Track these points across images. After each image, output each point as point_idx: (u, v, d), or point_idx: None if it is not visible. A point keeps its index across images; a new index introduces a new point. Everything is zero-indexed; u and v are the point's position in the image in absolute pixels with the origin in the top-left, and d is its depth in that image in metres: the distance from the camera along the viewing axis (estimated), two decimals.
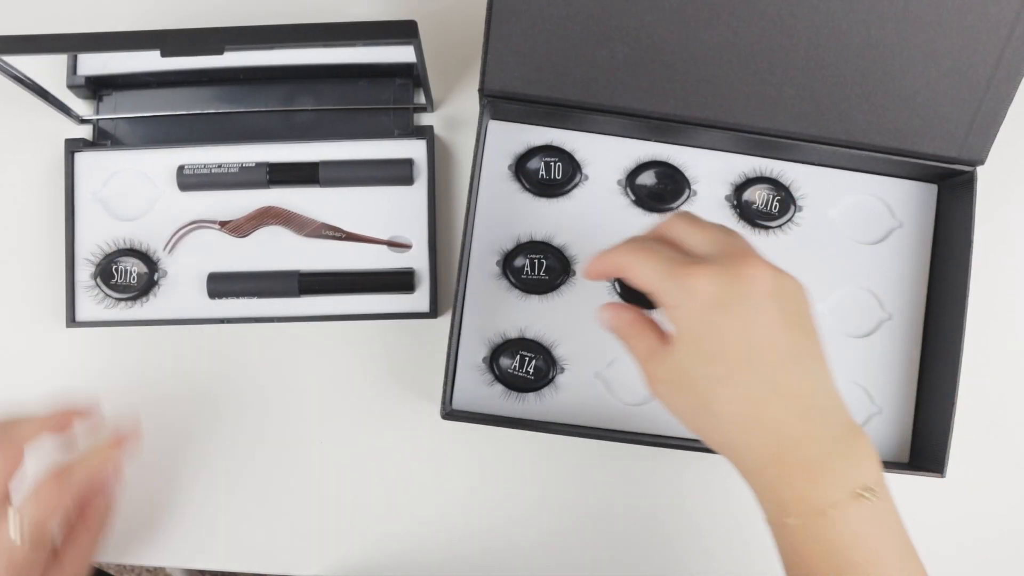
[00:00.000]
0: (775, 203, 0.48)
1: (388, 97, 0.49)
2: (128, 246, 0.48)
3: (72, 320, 0.48)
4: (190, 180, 0.48)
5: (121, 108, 0.49)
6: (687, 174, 0.48)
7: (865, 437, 0.35)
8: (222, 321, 0.48)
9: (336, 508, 0.49)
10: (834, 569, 0.33)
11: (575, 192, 0.48)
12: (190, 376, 0.49)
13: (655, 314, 0.38)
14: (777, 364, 0.34)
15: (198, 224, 0.48)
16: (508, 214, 0.48)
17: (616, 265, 0.37)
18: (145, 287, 0.48)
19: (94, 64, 0.48)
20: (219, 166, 0.48)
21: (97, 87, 0.49)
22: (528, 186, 0.48)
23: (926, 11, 0.42)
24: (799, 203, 0.49)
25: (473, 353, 0.47)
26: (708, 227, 0.37)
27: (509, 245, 0.48)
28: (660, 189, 0.48)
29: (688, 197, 0.48)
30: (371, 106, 0.49)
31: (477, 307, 0.47)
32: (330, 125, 0.49)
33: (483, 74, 0.44)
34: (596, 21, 0.43)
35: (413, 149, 0.49)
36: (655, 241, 0.37)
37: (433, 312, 0.48)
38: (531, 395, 0.47)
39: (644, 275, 0.36)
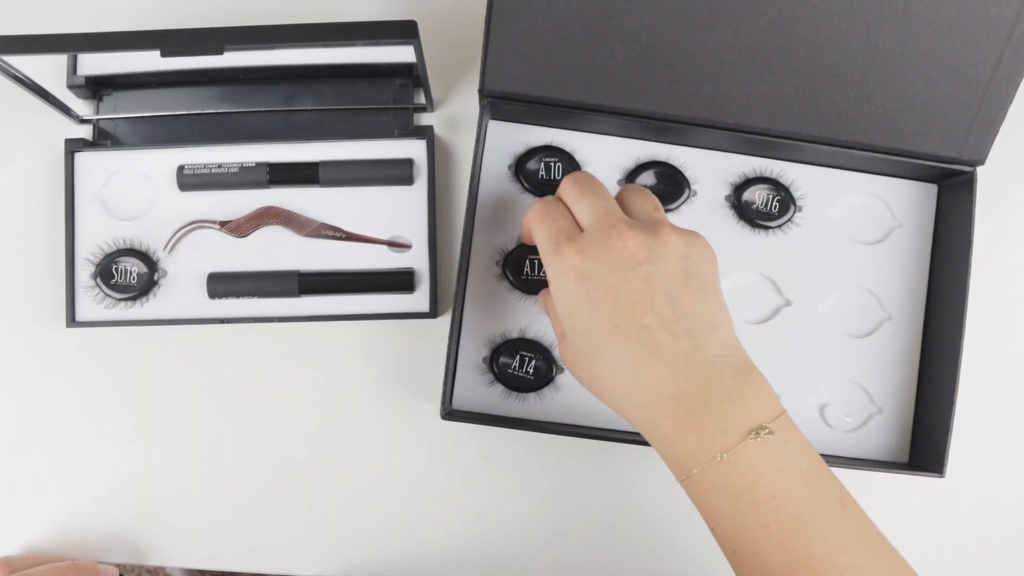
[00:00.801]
0: (775, 203, 0.48)
1: (388, 97, 0.49)
2: (128, 246, 0.48)
3: (72, 320, 0.48)
4: (190, 180, 0.48)
5: (121, 108, 0.49)
6: (687, 174, 0.48)
7: (757, 379, 0.35)
8: (222, 321, 0.48)
9: (336, 508, 0.49)
10: (740, 511, 0.33)
11: None
12: (190, 376, 0.49)
13: None
14: (655, 325, 0.35)
15: (198, 224, 0.48)
16: (508, 214, 0.48)
17: (527, 228, 0.40)
18: (145, 287, 0.48)
19: (94, 64, 0.48)
20: (219, 166, 0.48)
21: (97, 87, 0.49)
22: (528, 187, 0.48)
23: (926, 11, 0.42)
24: (799, 203, 0.49)
25: (473, 353, 0.47)
26: (590, 196, 0.38)
27: (509, 245, 0.48)
28: (660, 189, 0.48)
29: (688, 197, 0.48)
30: (371, 106, 0.49)
31: (477, 307, 0.47)
32: (330, 125, 0.49)
33: (483, 74, 0.44)
34: (596, 21, 0.43)
35: (413, 149, 0.49)
36: (556, 207, 0.39)
37: (433, 312, 0.48)
38: (531, 395, 0.47)
39: (538, 245, 0.39)
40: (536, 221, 0.39)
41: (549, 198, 0.40)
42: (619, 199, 0.40)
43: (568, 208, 0.39)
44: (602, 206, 0.38)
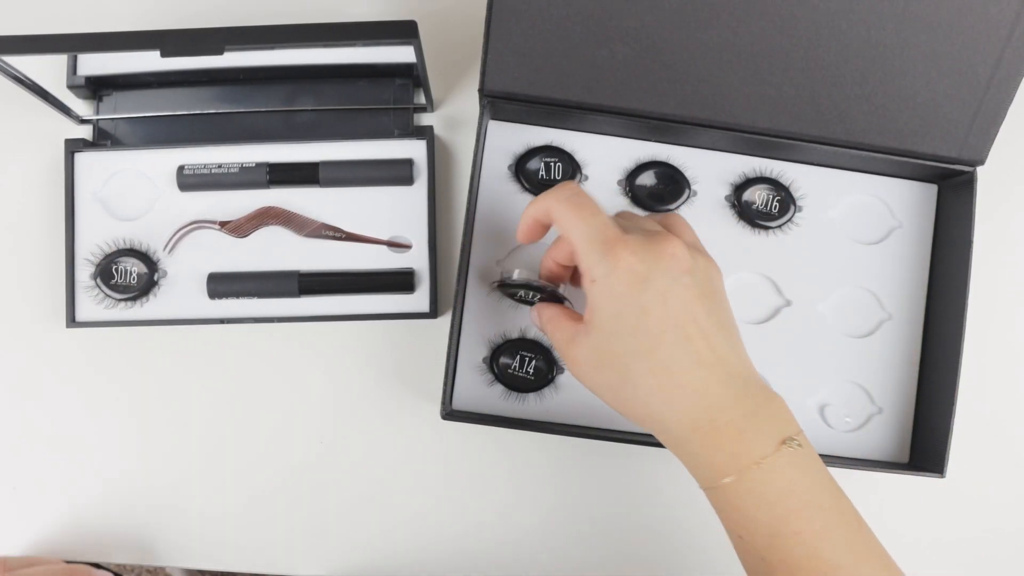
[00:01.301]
0: (775, 203, 0.48)
1: (388, 97, 0.49)
2: (128, 246, 0.48)
3: (72, 320, 0.48)
4: (190, 180, 0.48)
5: (121, 108, 0.49)
6: (687, 174, 0.48)
7: (779, 397, 0.36)
8: (222, 321, 0.48)
9: (336, 508, 0.49)
10: (776, 518, 0.34)
11: None
12: (190, 376, 0.49)
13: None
14: (697, 335, 0.35)
15: (198, 224, 0.48)
16: (508, 214, 0.48)
17: (547, 210, 0.38)
18: (145, 287, 0.48)
19: (94, 64, 0.48)
20: (219, 166, 0.48)
21: (97, 87, 0.49)
22: (528, 187, 0.48)
23: (926, 11, 0.42)
24: (799, 203, 0.49)
25: (473, 353, 0.47)
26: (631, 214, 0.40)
27: (509, 247, 0.48)
28: (660, 189, 0.48)
29: (688, 197, 0.48)
30: (371, 106, 0.49)
31: (477, 307, 0.47)
32: (330, 125, 0.49)
33: (483, 74, 0.44)
34: (596, 21, 0.43)
35: (413, 149, 0.49)
36: (589, 200, 0.37)
37: (433, 312, 0.48)
38: (531, 395, 0.47)
39: (574, 232, 0.37)
40: (570, 213, 0.37)
41: (571, 186, 0.38)
42: (619, 216, 0.41)
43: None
44: (643, 218, 0.39)
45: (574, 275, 0.42)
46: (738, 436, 0.34)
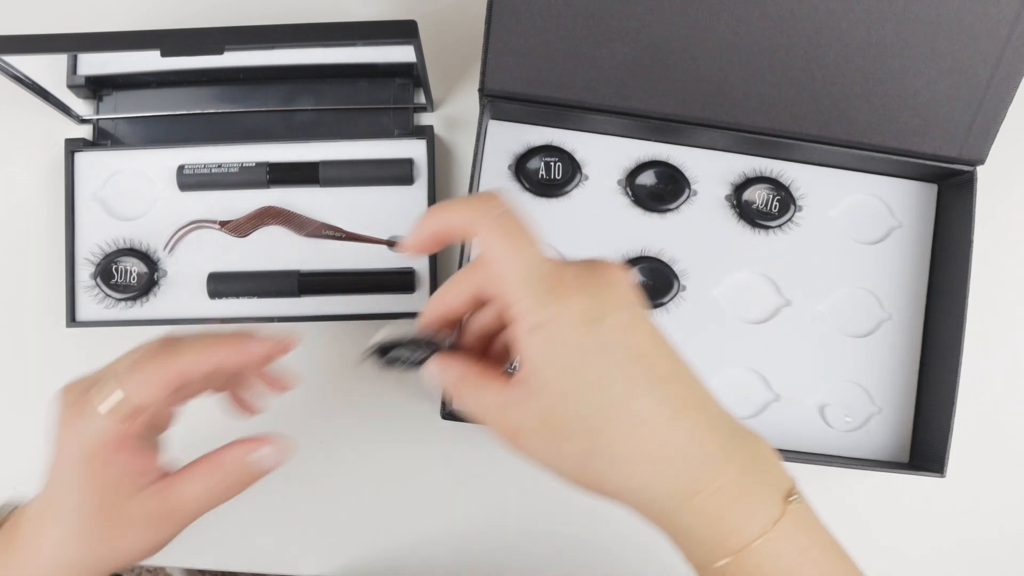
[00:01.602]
0: (775, 203, 0.48)
1: (388, 97, 0.49)
2: (128, 246, 0.48)
3: (72, 320, 0.48)
4: (190, 180, 0.48)
5: (121, 108, 0.49)
6: (687, 174, 0.48)
7: (760, 436, 0.30)
8: (222, 321, 0.48)
9: (336, 508, 0.49)
10: None
11: (575, 192, 0.48)
12: None
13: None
14: (670, 375, 0.29)
15: (198, 224, 0.48)
16: None
17: (467, 228, 0.29)
18: (145, 287, 0.48)
19: (94, 64, 0.48)
20: (219, 166, 0.48)
21: (97, 87, 0.49)
22: (528, 186, 0.48)
23: (926, 11, 0.42)
24: (799, 203, 0.49)
25: None
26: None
27: None
28: (660, 189, 0.48)
29: (688, 197, 0.48)
30: (371, 106, 0.49)
31: None
32: (330, 125, 0.49)
33: (483, 74, 0.44)
34: (596, 21, 0.43)
35: (413, 149, 0.49)
36: (518, 219, 0.29)
37: None
38: None
39: (505, 265, 0.29)
40: (502, 241, 0.29)
41: (498, 201, 0.30)
42: None
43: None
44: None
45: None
46: (740, 499, 0.28)
